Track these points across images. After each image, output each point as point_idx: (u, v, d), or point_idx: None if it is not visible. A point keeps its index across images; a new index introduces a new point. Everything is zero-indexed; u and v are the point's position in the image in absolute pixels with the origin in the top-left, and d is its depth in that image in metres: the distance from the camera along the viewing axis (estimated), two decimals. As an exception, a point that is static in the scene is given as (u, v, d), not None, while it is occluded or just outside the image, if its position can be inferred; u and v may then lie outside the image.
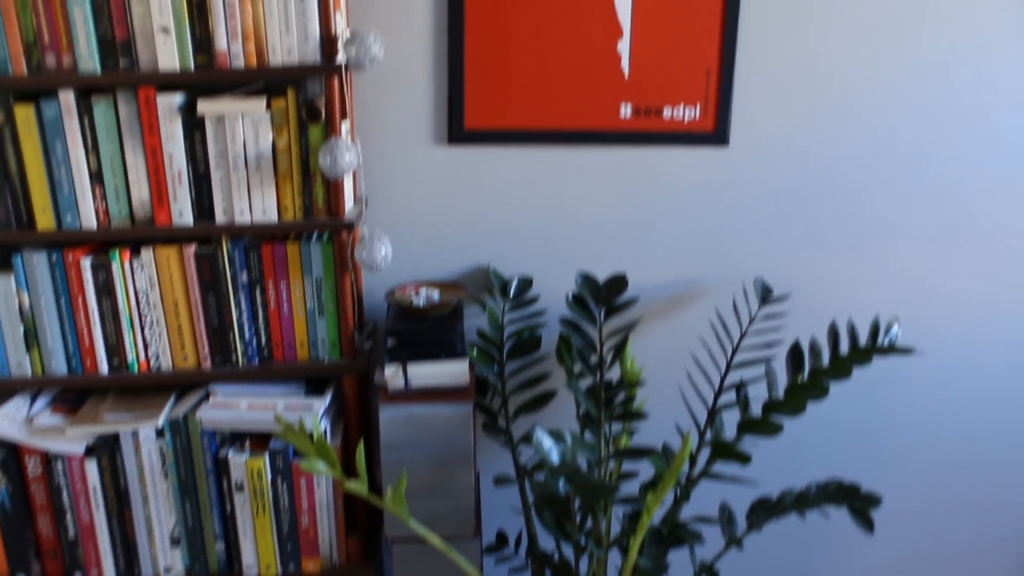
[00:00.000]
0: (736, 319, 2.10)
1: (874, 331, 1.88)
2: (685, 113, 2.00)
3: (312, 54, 1.63)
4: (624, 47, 1.94)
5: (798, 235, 2.10)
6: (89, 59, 1.62)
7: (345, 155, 1.63)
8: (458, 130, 1.96)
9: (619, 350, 1.91)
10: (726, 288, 2.14)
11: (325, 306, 1.81)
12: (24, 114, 1.65)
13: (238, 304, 1.80)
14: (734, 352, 1.96)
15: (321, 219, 1.75)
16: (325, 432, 1.83)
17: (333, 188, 1.72)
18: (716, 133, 2.02)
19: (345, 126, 1.74)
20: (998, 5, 1.94)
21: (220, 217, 1.74)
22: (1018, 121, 2.02)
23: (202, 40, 1.62)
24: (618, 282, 1.96)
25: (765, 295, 2.03)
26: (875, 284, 2.15)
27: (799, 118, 2.02)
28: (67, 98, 1.64)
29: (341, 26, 1.75)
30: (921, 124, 2.02)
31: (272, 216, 1.74)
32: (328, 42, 1.63)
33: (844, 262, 2.13)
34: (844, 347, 2.07)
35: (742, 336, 1.97)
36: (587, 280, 1.98)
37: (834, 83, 1.99)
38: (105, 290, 1.76)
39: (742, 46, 1.97)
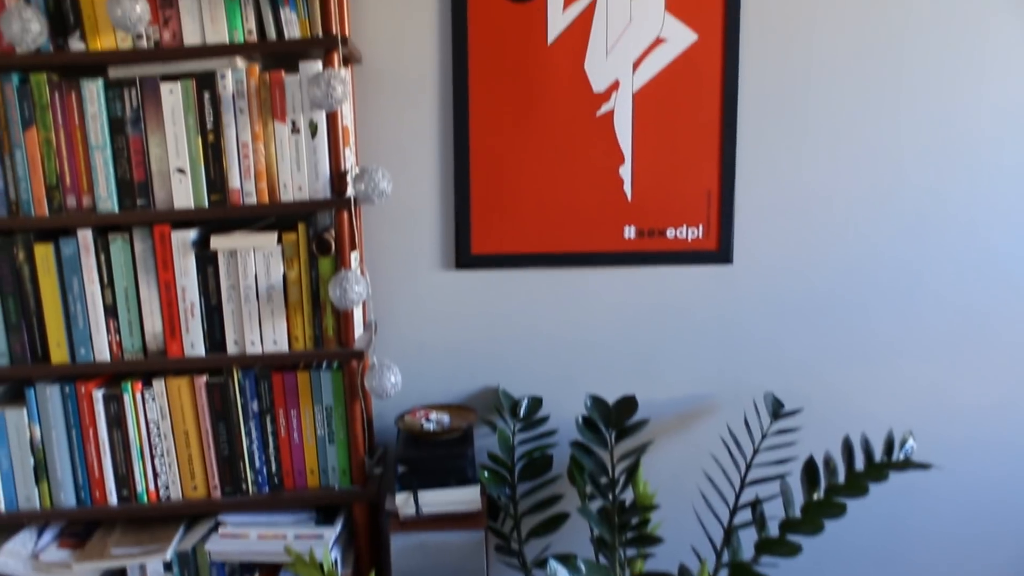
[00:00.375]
0: (748, 435, 2.08)
1: (889, 445, 1.87)
2: (688, 233, 2.03)
3: (322, 190, 1.68)
4: (626, 171, 1.99)
5: (806, 349, 2.11)
6: (107, 199, 1.67)
7: (355, 287, 1.66)
8: (465, 255, 2.00)
9: (631, 473, 1.89)
10: (736, 403, 2.13)
11: (335, 434, 1.81)
12: (43, 252, 1.69)
13: (248, 433, 1.80)
14: (747, 469, 1.94)
15: (331, 348, 1.76)
16: (336, 562, 1.80)
17: (343, 318, 1.74)
18: (719, 252, 2.05)
19: (355, 256, 1.77)
20: (987, 126, 1.99)
21: (231, 348, 1.76)
22: (1012, 232, 2.04)
23: (216, 179, 1.68)
24: (628, 404, 1.96)
25: (776, 410, 2.02)
26: (886, 395, 2.14)
27: (800, 235, 2.05)
28: (85, 236, 1.69)
29: (351, 161, 1.81)
30: (919, 238, 2.05)
31: (283, 346, 1.76)
32: (338, 178, 1.68)
33: (853, 374, 2.12)
34: (859, 462, 2.05)
35: (755, 452, 1.95)
36: (597, 402, 1.98)
37: (832, 201, 2.03)
38: (116, 421, 1.77)
39: (741, 168, 2.02)
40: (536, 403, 2.07)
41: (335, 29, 1.63)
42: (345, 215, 1.69)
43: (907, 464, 1.80)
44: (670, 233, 2.03)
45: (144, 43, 1.63)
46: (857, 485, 1.80)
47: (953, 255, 2.06)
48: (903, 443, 1.89)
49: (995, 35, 1.97)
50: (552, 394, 2.10)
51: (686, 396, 2.13)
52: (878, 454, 2.05)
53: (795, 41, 1.96)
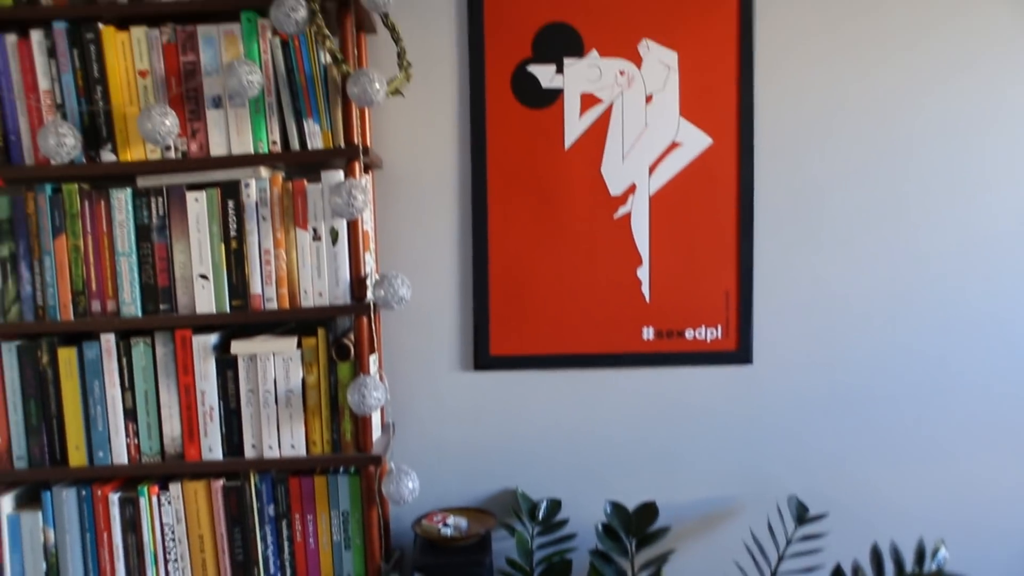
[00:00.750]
0: (772, 540, 2.03)
1: (920, 555, 1.81)
2: (707, 334, 2.03)
3: (343, 296, 1.70)
4: (644, 273, 2.00)
5: (830, 448, 2.07)
6: (131, 304, 1.70)
7: (373, 393, 1.66)
8: (484, 356, 2.00)
9: (652, 582, 1.84)
10: (760, 505, 2.09)
11: (352, 539, 1.79)
12: (67, 356, 1.71)
13: (264, 538, 1.78)
14: (773, 578, 1.89)
15: (349, 453, 1.75)
16: (348, 676, 1.75)
17: (361, 422, 1.74)
18: (739, 352, 2.03)
19: (373, 360, 1.78)
20: (1003, 222, 2.00)
21: (249, 451, 1.75)
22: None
23: (238, 285, 1.70)
24: (648, 511, 1.92)
25: (801, 515, 1.98)
26: (915, 493, 2.09)
27: (821, 333, 2.04)
28: (108, 341, 1.71)
29: (371, 265, 1.83)
30: (942, 332, 2.04)
31: (300, 450, 1.75)
32: (358, 284, 1.70)
33: (880, 473, 2.08)
34: (889, 573, 1.98)
35: (780, 560, 1.90)
36: (617, 509, 1.95)
37: (852, 299, 2.03)
38: (131, 525, 1.76)
39: (759, 268, 2.02)
40: (555, 505, 2.03)
41: (357, 140, 1.67)
42: (365, 321, 1.70)
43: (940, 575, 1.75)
44: (689, 334, 2.02)
45: (172, 154, 1.67)
46: (888, 596, 1.74)
47: (978, 349, 2.04)
48: (935, 552, 1.83)
49: (1008, 132, 1.99)
50: (572, 496, 2.07)
51: (708, 498, 2.09)
52: (908, 564, 1.99)
53: (809, 143, 1.99)
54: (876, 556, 1.84)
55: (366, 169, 1.85)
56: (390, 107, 1.93)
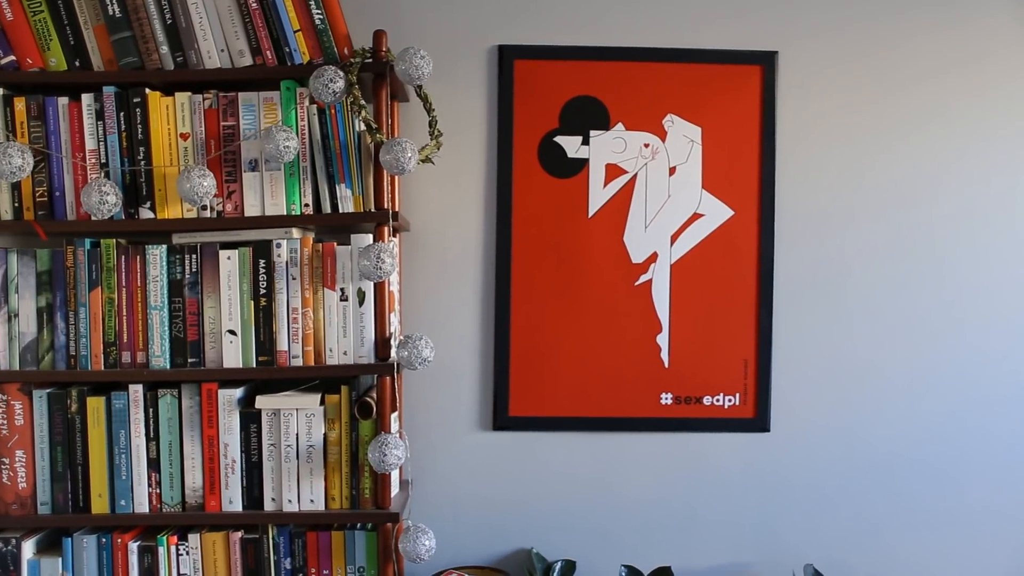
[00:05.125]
0: (787, 613, 2.02)
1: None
2: (725, 401, 2.05)
3: (367, 355, 1.74)
4: (663, 339, 2.03)
5: (847, 518, 2.07)
6: (161, 356, 1.75)
7: (394, 451, 1.69)
8: (503, 417, 2.03)
9: (664, 652, 1.83)
10: (775, 573, 2.08)
11: (365, 598, 1.80)
12: (95, 405, 1.75)
13: (278, 592, 1.80)
14: (787, 652, 1.87)
15: (368, 509, 1.77)
16: None
17: (380, 480, 1.76)
18: (757, 420, 2.05)
19: (395, 418, 1.81)
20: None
21: (268, 505, 1.78)
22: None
23: (265, 341, 1.74)
24: (663, 575, 1.92)
25: (817, 586, 1.97)
26: (933, 568, 2.07)
27: (839, 403, 2.05)
28: (136, 391, 1.75)
29: (395, 325, 1.87)
30: (967, 406, 2.05)
31: (320, 505, 1.77)
32: (382, 345, 1.74)
33: (897, 545, 2.08)
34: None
35: (794, 632, 1.89)
36: (632, 573, 1.95)
37: (871, 371, 2.05)
38: (149, 574, 1.78)
39: (778, 338, 2.04)
40: (570, 567, 2.04)
41: (387, 205, 1.73)
42: (388, 380, 1.74)
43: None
44: (707, 400, 2.04)
45: (208, 213, 1.73)
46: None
47: (1002, 422, 2.06)
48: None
49: (1028, 219, 2.02)
50: (587, 558, 2.07)
51: (724, 564, 2.08)
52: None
53: (830, 218, 2.03)
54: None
55: (394, 232, 1.90)
56: (420, 172, 1.98)
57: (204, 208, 1.73)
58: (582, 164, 2.01)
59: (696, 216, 2.02)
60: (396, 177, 1.86)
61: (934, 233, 2.04)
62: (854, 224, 2.04)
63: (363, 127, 1.71)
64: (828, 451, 2.06)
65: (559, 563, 2.03)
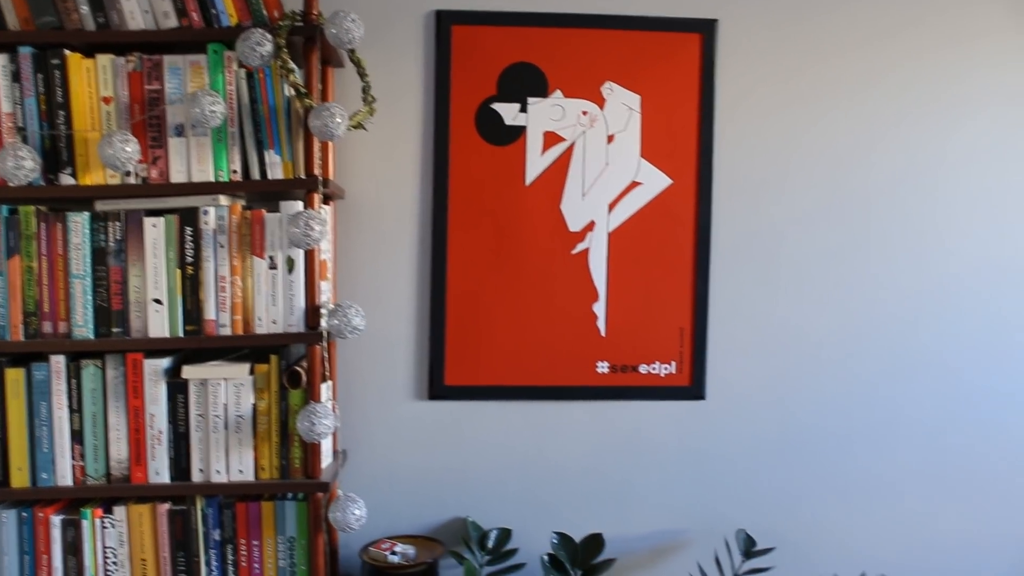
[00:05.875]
0: (719, 574, 2.05)
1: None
2: (661, 369, 2.06)
3: (296, 324, 1.72)
4: (600, 308, 2.03)
5: (780, 484, 2.10)
6: (84, 327, 1.70)
7: (323, 420, 1.67)
8: (439, 387, 2.02)
9: (596, 617, 1.86)
10: (708, 540, 2.11)
11: (297, 566, 1.79)
12: (14, 377, 1.71)
13: (208, 563, 1.78)
14: (718, 615, 1.91)
15: (297, 479, 1.76)
16: None
17: (311, 449, 1.74)
18: (692, 387, 2.07)
19: (325, 388, 1.79)
20: (957, 263, 2.06)
21: (196, 476, 1.75)
22: (985, 367, 2.10)
23: (192, 311, 1.71)
24: (595, 542, 1.94)
25: (748, 549, 2.00)
26: (863, 531, 2.13)
27: (774, 370, 2.08)
28: (57, 362, 1.70)
29: (328, 294, 1.85)
30: (895, 372, 2.09)
31: (249, 475, 1.75)
32: (312, 313, 1.72)
33: (829, 510, 2.12)
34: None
35: (726, 596, 1.92)
36: (564, 540, 1.96)
37: (806, 337, 2.07)
38: (72, 548, 1.75)
39: (714, 305, 2.06)
40: (505, 535, 2.04)
41: (317, 171, 1.69)
42: (317, 349, 1.71)
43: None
44: (643, 369, 2.05)
45: (132, 180, 1.68)
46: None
47: (929, 390, 2.10)
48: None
49: (960, 177, 2.05)
50: (522, 526, 2.08)
51: (657, 531, 2.11)
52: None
53: (767, 186, 2.04)
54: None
55: (327, 200, 1.86)
56: (355, 139, 1.95)
57: (128, 174, 1.69)
58: (520, 131, 1.99)
59: (634, 184, 2.01)
60: (329, 144, 1.83)
61: (869, 200, 2.06)
62: (790, 191, 2.05)
63: (292, 92, 1.67)
64: (762, 418, 2.09)
65: (494, 531, 2.03)
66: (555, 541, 1.96)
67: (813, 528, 2.12)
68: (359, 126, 1.74)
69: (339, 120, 1.61)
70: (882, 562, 2.12)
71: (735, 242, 2.05)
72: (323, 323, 1.73)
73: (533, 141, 2.00)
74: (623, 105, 2.00)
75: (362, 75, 1.78)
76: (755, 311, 2.07)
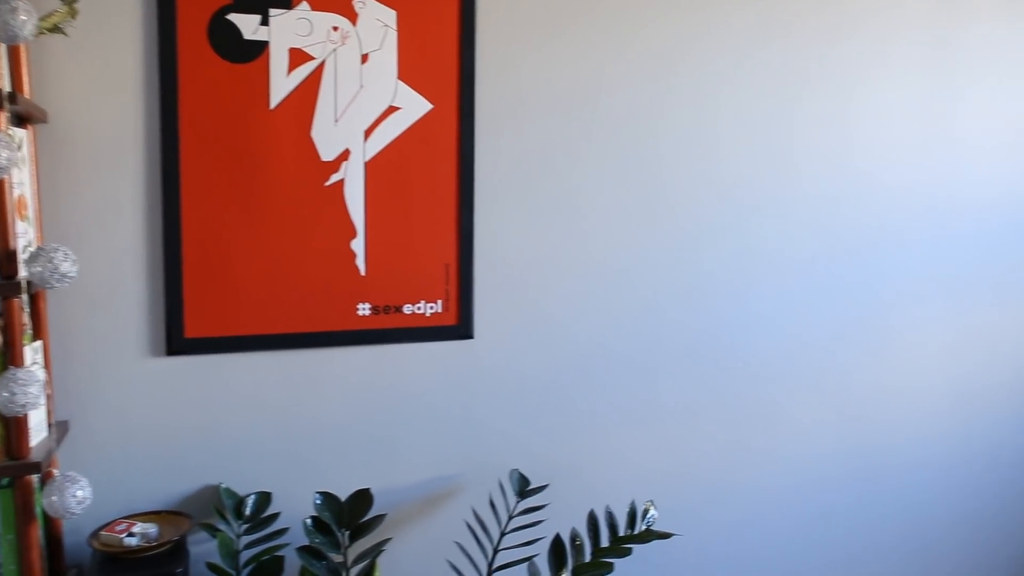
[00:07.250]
0: (494, 516, 2.00)
1: (632, 517, 1.87)
2: (426, 308, 1.94)
3: (-15, 273, 1.40)
4: (359, 245, 1.87)
5: (550, 424, 2.08)
6: None
7: (29, 389, 1.39)
8: (178, 340, 1.77)
9: (368, 576, 1.73)
10: (482, 485, 2.05)
11: (4, 567, 1.50)
12: None
13: None
14: (495, 553, 1.87)
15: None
16: None
17: (15, 424, 1.45)
18: (460, 327, 1.97)
19: (31, 350, 1.49)
20: (726, 191, 2.10)
21: None
22: (737, 305, 2.16)
23: None
24: (362, 499, 1.81)
25: (522, 488, 1.97)
26: (628, 465, 2.17)
27: (542, 306, 2.03)
28: None
29: (30, 236, 1.54)
30: (654, 311, 2.12)
31: (-66, 462, 1.43)
32: (6, 260, 1.41)
33: (601, 442, 2.13)
34: (605, 538, 2.03)
35: (502, 535, 1.88)
36: (328, 499, 1.81)
37: (572, 271, 2.04)
38: None
39: (480, 240, 1.97)
40: (264, 499, 1.86)
41: (1, 85, 1.37)
42: (15, 303, 1.41)
43: (649, 535, 1.81)
44: (407, 309, 1.92)
45: None
46: (602, 563, 1.77)
47: (684, 328, 2.14)
48: (645, 513, 1.90)
49: (734, 99, 2.08)
50: (283, 488, 1.91)
51: (429, 479, 2.02)
52: (622, 527, 2.05)
53: (530, 109, 1.96)
54: (592, 522, 1.87)
55: (21, 122, 1.54)
56: (59, 51, 1.62)
57: None
58: (261, 47, 1.76)
59: (392, 109, 1.85)
60: (20, 54, 1.50)
61: (637, 123, 2.03)
62: (555, 115, 1.98)
63: (-41, -19, 1.33)
64: (532, 353, 2.04)
65: (252, 496, 1.84)
66: (318, 502, 1.80)
67: (587, 461, 2.13)
68: (56, 29, 1.43)
69: (23, 17, 1.30)
70: (647, 493, 2.18)
71: (500, 171, 1.96)
72: (22, 271, 1.43)
73: (277, 59, 1.77)
74: (378, 21, 1.82)
75: (58, -32, 1.46)
76: (522, 244, 2.00)
